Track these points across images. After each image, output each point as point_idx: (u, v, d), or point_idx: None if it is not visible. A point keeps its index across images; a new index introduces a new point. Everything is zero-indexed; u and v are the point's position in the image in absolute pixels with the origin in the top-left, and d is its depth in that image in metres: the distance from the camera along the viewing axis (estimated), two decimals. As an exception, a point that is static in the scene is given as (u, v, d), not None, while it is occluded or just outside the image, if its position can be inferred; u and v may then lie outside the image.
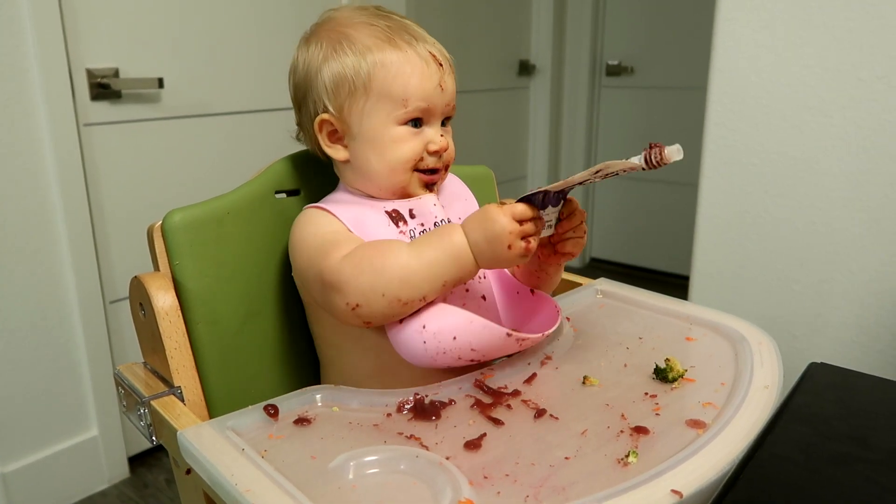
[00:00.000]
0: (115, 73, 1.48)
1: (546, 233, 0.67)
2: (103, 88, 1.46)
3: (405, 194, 0.73)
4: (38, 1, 1.31)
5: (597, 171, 0.59)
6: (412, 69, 0.70)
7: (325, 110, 0.71)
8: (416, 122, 0.71)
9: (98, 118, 1.48)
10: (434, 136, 0.72)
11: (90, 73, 1.44)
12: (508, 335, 0.63)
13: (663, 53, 2.83)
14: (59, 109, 1.38)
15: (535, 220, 0.63)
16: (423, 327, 0.63)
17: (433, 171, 0.74)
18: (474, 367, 0.67)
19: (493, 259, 0.63)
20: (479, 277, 0.74)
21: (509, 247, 0.61)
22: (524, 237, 0.62)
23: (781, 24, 1.19)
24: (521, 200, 0.63)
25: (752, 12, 1.21)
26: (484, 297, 0.74)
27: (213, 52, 1.65)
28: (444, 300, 0.68)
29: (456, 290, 0.71)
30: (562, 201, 0.68)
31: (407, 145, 0.71)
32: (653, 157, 0.56)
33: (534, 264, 0.74)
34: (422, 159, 0.72)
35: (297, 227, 0.72)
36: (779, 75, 1.21)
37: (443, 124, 0.74)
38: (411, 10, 2.13)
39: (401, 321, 0.64)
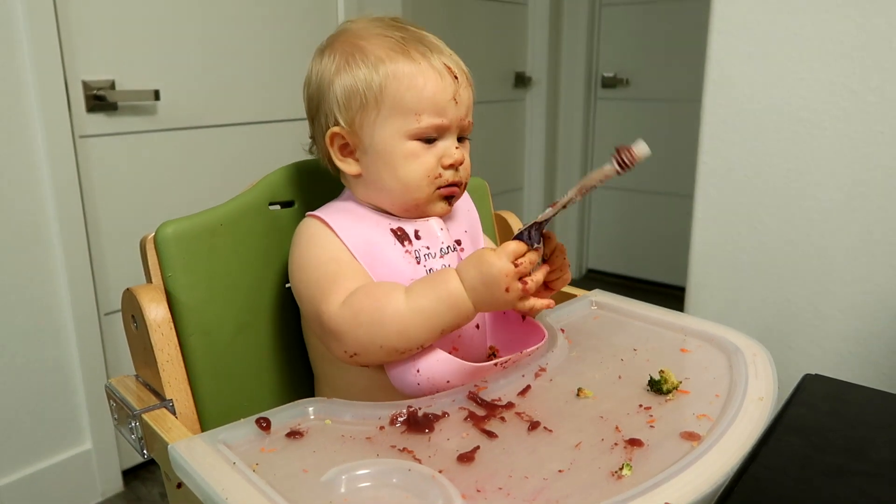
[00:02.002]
0: (112, 85, 1.49)
1: (540, 273, 0.65)
2: (99, 100, 1.46)
3: (421, 212, 0.71)
4: (35, 12, 1.32)
5: (579, 189, 0.60)
6: (425, 81, 0.67)
7: (336, 123, 0.70)
8: (430, 140, 0.69)
9: (94, 130, 1.48)
10: (448, 148, 0.69)
11: (86, 85, 1.45)
12: (496, 365, 0.66)
13: (658, 65, 2.85)
14: (54, 121, 1.38)
15: (531, 257, 0.63)
16: (418, 371, 0.65)
17: (452, 185, 0.71)
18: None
19: (491, 302, 0.63)
20: None
21: (507, 289, 0.62)
22: (520, 278, 0.62)
23: (774, 36, 1.19)
24: (514, 239, 0.63)
25: (745, 25, 1.22)
26: (478, 326, 0.73)
27: (210, 64, 1.65)
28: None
29: None
30: (541, 238, 0.66)
31: (419, 161, 0.68)
32: (624, 159, 0.57)
33: None
34: (439, 175, 0.69)
35: (298, 244, 0.71)
36: (772, 88, 1.21)
37: (460, 141, 0.72)
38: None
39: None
